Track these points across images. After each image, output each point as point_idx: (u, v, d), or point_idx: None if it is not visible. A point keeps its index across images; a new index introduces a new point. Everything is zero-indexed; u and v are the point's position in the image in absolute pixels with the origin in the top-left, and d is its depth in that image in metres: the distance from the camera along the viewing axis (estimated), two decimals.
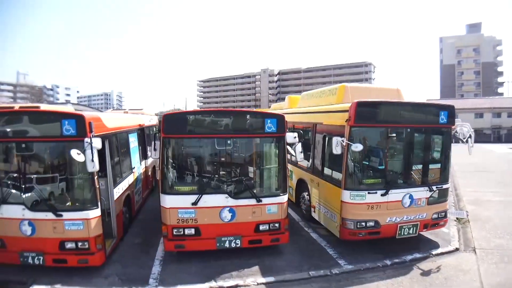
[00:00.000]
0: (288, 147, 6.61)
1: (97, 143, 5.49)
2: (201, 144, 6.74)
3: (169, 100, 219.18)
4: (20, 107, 12.56)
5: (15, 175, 5.92)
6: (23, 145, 5.79)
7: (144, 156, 10.98)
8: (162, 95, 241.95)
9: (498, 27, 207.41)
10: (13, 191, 5.81)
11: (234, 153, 6.66)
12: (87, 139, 5.38)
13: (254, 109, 7.82)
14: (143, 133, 11.21)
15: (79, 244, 5.71)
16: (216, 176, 6.63)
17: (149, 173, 11.75)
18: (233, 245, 6.40)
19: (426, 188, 7.09)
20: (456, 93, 78.28)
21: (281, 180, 6.70)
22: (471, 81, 79.97)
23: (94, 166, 5.35)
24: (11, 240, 5.76)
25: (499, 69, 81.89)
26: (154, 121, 14.76)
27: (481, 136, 45.04)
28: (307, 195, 8.79)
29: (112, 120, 7.44)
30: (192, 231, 6.30)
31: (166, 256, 6.82)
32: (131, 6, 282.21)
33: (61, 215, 5.61)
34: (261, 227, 6.53)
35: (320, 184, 7.89)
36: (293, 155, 6.69)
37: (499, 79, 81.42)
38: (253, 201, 6.40)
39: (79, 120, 5.59)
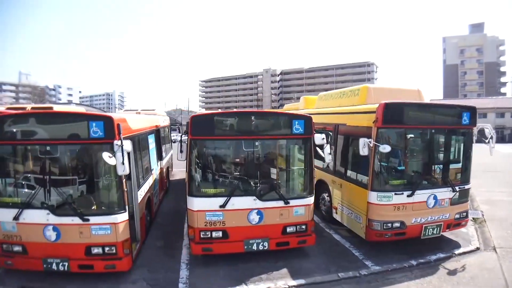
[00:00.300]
0: (318, 149, 6.55)
1: (127, 145, 5.39)
2: (229, 146, 6.70)
3: (171, 100, 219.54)
4: (32, 108, 12.65)
5: (38, 179, 5.73)
6: (48, 148, 5.64)
7: (159, 157, 10.97)
8: (164, 95, 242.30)
9: (501, 27, 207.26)
10: (37, 195, 5.62)
11: (262, 154, 6.61)
12: (117, 142, 5.25)
13: (281, 110, 7.67)
14: (158, 134, 11.21)
15: (106, 249, 5.55)
16: (244, 178, 6.57)
17: (164, 175, 11.74)
18: (260, 247, 6.34)
19: (450, 188, 7.12)
20: (459, 93, 78.24)
21: (308, 181, 6.68)
22: (474, 81, 79.93)
23: (124, 169, 5.22)
24: (33, 246, 5.56)
25: (502, 69, 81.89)
26: (167, 121, 14.76)
27: (484, 136, 44.86)
28: (327, 196, 8.77)
29: (135, 122, 7.40)
30: (220, 234, 6.23)
31: (192, 259, 6.75)
32: (132, 6, 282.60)
33: (88, 220, 5.45)
34: (288, 229, 6.48)
35: (343, 185, 7.86)
36: (322, 156, 6.61)
37: (502, 79, 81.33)
38: (280, 203, 6.35)
39: (107, 122, 5.43)
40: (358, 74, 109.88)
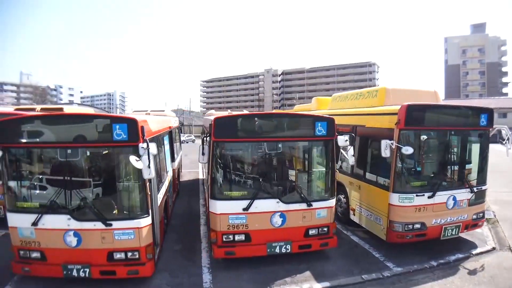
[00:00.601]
0: (342, 151, 6.53)
1: (153, 148, 5.29)
2: (252, 148, 6.66)
3: (172, 100, 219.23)
4: (42, 109, 12.56)
5: (58, 183, 5.58)
6: (69, 151, 5.43)
7: (172, 158, 10.95)
8: (165, 95, 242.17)
9: (502, 27, 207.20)
10: (57, 200, 5.47)
11: (284, 156, 6.60)
12: (142, 145, 5.13)
13: (304, 112, 7.55)
14: (171, 135, 11.19)
15: (129, 254, 5.42)
16: (267, 180, 6.53)
17: (175, 176, 11.72)
18: (283, 250, 6.30)
19: (468, 189, 7.20)
20: (461, 93, 78.25)
21: (330, 184, 6.66)
22: (476, 81, 79.93)
23: (150, 172, 5.14)
24: (53, 252, 5.41)
25: (504, 69, 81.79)
26: (177, 122, 14.74)
27: (501, 137, 44.82)
28: (344, 197, 8.77)
29: (154, 123, 7.35)
30: (243, 237, 6.19)
31: (213, 263, 6.69)
32: (132, 6, 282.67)
33: (110, 225, 5.31)
34: (310, 232, 6.46)
35: (362, 187, 7.85)
36: (346, 157, 6.59)
37: (504, 79, 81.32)
38: (303, 206, 6.33)
39: (131, 124, 5.28)
40: (360, 74, 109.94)
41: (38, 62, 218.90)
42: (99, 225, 5.31)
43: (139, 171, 5.21)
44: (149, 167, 5.13)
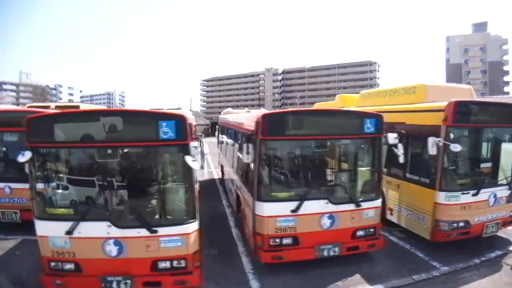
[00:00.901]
0: (394, 149, 6.37)
1: (205, 147, 4.96)
2: (300, 146, 6.45)
3: (172, 100, 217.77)
4: (57, 107, 12.28)
5: (97, 186, 5.13)
6: (109, 151, 4.96)
7: None
8: (165, 94, 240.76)
9: (503, 26, 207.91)
10: (96, 206, 5.02)
11: (332, 155, 6.43)
12: (195, 143, 4.81)
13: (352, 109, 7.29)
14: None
15: (175, 262, 4.94)
16: (315, 180, 6.33)
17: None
18: (331, 253, 6.06)
19: (507, 186, 7.21)
20: None
21: (378, 183, 6.51)
22: (478, 80, 79.97)
23: (204, 173, 4.87)
24: (90, 263, 4.88)
25: (505, 68, 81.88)
26: (194, 121, 14.55)
27: None
28: None
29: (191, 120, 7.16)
30: (291, 240, 5.91)
31: (256, 268, 6.37)
32: (132, 5, 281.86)
33: (156, 231, 4.81)
34: (358, 233, 6.27)
35: (402, 186, 7.71)
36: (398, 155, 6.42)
37: (505, 78, 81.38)
38: (352, 206, 6.13)
39: (179, 121, 4.82)
40: (360, 73, 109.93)
41: (37, 61, 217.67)
42: (143, 232, 4.80)
43: (187, 172, 4.89)
44: (202, 167, 4.85)
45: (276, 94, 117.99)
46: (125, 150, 5.25)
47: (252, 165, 6.16)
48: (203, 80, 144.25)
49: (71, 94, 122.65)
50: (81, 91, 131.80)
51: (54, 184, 5.20)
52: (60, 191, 5.25)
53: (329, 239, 6.08)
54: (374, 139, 6.35)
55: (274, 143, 6.18)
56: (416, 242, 7.43)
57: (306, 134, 6.12)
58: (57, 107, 12.33)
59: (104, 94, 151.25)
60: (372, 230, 6.42)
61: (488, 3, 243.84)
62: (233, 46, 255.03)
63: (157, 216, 5.25)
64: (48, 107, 12.49)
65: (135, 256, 4.85)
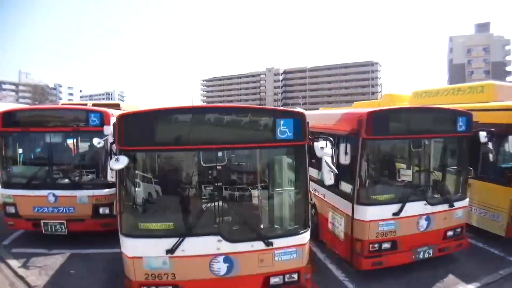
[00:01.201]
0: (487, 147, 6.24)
1: (328, 149, 4.49)
2: (400, 146, 6.26)
3: (172, 100, 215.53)
4: (94, 104, 11.73)
5: (201, 196, 4.64)
6: (219, 154, 4.45)
7: None
8: (165, 94, 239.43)
9: (506, 26, 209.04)
10: (202, 218, 4.35)
11: (428, 154, 6.17)
12: (321, 144, 4.41)
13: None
14: None
15: (287, 277, 4.46)
16: (414, 180, 6.13)
17: None
18: (426, 255, 5.88)
19: None
20: None
21: (465, 182, 6.38)
22: (481, 80, 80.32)
23: (331, 178, 4.50)
24: (191, 285, 4.28)
25: (508, 68, 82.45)
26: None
27: None
28: None
29: None
30: (389, 245, 5.66)
31: (348, 275, 6.04)
32: (132, 5, 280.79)
33: (271, 244, 4.28)
34: (448, 234, 6.11)
35: (473, 184, 7.52)
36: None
37: (508, 79, 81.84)
38: (446, 207, 5.96)
39: (297, 119, 4.32)
40: (362, 74, 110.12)
41: (37, 61, 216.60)
42: (257, 245, 4.27)
43: (303, 176, 4.51)
44: (331, 171, 4.45)
45: (278, 94, 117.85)
46: (233, 154, 4.89)
47: (347, 167, 5.66)
48: (203, 80, 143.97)
49: (70, 94, 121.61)
50: (81, 91, 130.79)
51: (149, 194, 4.74)
52: (155, 202, 4.76)
53: (424, 241, 5.89)
54: (463, 137, 6.19)
55: (378, 142, 5.90)
56: (487, 240, 7.35)
57: (409, 133, 5.86)
58: (94, 105, 11.63)
59: (103, 94, 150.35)
60: (459, 230, 6.28)
61: (490, 3, 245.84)
62: (233, 46, 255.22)
63: (270, 227, 4.84)
64: (85, 104, 11.71)
65: (246, 273, 4.33)
